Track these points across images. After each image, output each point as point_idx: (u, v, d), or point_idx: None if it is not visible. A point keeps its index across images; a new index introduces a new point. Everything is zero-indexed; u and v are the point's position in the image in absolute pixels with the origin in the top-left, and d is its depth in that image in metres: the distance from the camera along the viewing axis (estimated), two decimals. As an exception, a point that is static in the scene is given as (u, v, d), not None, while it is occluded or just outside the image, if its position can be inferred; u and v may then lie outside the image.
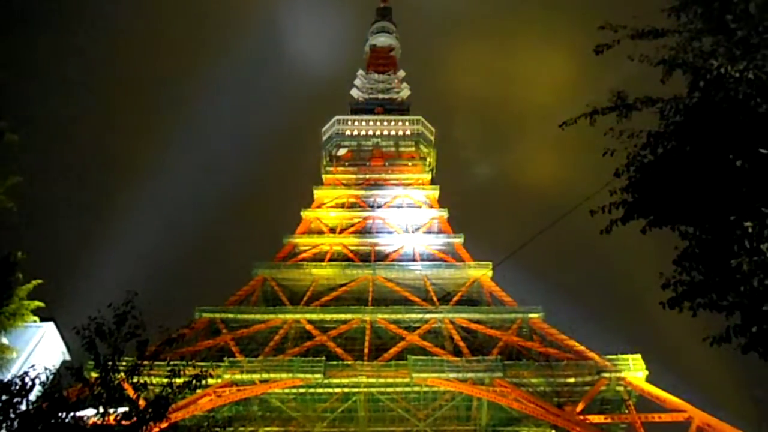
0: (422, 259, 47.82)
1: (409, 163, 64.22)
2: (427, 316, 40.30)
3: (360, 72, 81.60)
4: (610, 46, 6.51)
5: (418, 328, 39.44)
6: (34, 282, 19.90)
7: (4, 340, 20.37)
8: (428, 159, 66.80)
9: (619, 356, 34.83)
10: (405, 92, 79.19)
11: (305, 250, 49.36)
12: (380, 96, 77.67)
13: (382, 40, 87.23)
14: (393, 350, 36.73)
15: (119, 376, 9.99)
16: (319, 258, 48.03)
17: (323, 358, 34.97)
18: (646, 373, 33.89)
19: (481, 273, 44.47)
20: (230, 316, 40.39)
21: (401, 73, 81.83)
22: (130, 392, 10.25)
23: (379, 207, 55.03)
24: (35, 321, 21.96)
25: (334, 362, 35.15)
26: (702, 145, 5.56)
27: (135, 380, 10.13)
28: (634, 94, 6.26)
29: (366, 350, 36.91)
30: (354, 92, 79.15)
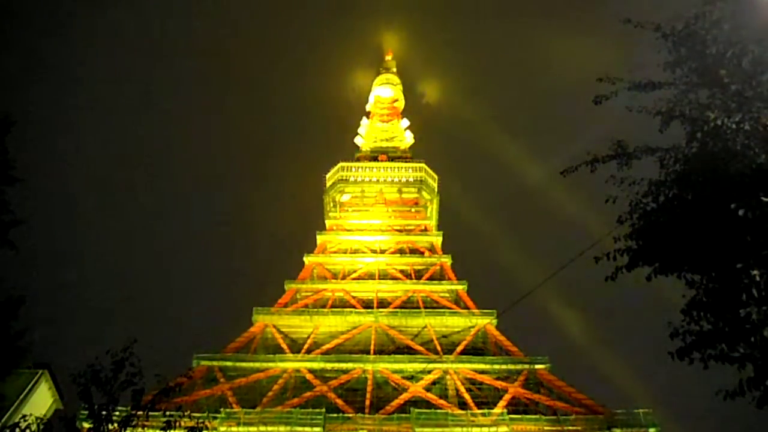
0: (425, 307, 47.13)
1: (412, 209, 64.62)
2: (431, 366, 39.24)
3: (364, 121, 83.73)
4: (608, 97, 6.72)
5: (422, 378, 38.35)
6: (30, 327, 19.58)
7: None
8: (430, 205, 67.25)
9: (630, 411, 33.57)
10: (408, 140, 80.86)
11: (307, 296, 48.81)
12: (384, 144, 79.30)
13: (386, 92, 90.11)
14: (395, 402, 35.56)
15: (113, 427, 9.66)
16: (320, 304, 47.42)
17: (323, 410, 33.81)
18: (659, 428, 32.53)
19: (485, 321, 43.65)
20: (229, 364, 39.47)
21: (405, 122, 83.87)
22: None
23: (382, 253, 54.87)
24: (29, 366, 21.47)
25: (335, 414, 33.96)
26: (703, 194, 5.59)
27: (129, 431, 9.80)
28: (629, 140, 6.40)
29: (367, 402, 35.76)
30: (358, 140, 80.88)
